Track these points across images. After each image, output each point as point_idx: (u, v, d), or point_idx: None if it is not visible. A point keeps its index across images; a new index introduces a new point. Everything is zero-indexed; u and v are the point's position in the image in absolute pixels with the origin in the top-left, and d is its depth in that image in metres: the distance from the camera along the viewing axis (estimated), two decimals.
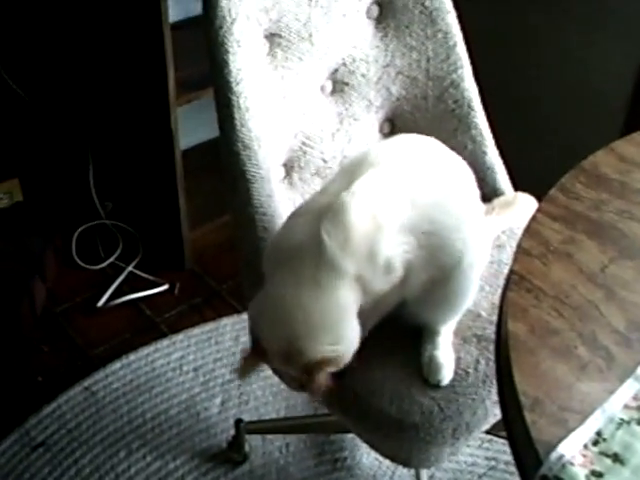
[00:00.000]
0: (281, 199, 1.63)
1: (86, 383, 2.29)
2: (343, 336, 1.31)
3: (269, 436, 2.15)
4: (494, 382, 1.43)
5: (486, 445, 2.13)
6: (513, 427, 0.98)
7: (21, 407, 2.23)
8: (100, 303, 2.55)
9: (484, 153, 1.85)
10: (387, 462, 2.07)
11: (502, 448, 2.08)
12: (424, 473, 1.92)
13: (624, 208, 1.24)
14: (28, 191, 2.70)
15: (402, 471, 2.07)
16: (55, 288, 2.62)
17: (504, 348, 1.01)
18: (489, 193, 1.86)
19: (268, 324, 1.34)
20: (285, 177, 1.73)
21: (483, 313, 1.57)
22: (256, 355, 1.37)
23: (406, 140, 1.48)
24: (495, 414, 1.50)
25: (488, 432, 2.02)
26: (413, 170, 1.38)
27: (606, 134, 1.44)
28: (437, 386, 1.46)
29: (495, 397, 1.44)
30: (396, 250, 1.31)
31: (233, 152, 1.50)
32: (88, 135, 2.67)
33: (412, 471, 2.02)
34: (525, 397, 0.94)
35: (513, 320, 1.04)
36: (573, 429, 0.91)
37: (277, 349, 1.32)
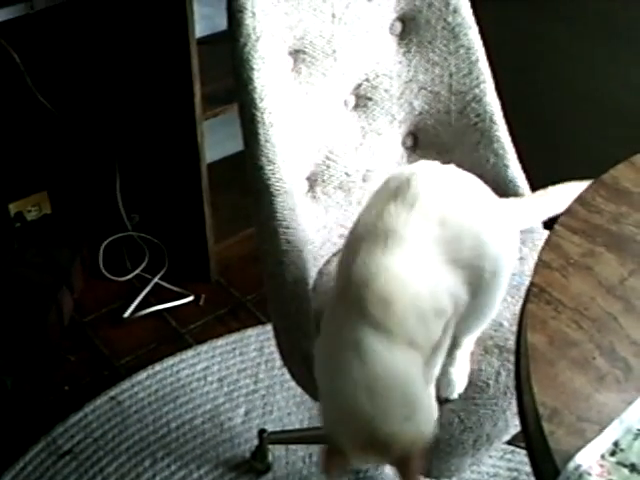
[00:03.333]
0: (304, 212, 1.65)
1: (112, 393, 2.32)
2: (421, 407, 1.23)
3: (292, 446, 2.17)
4: (515, 393, 1.45)
5: (508, 456, 2.15)
6: (531, 437, 0.99)
7: (48, 416, 2.27)
8: (126, 314, 2.59)
9: (506, 167, 1.87)
10: None
11: (524, 459, 2.09)
12: None
13: None
14: (56, 204, 2.74)
15: None
16: (82, 299, 2.65)
17: (523, 359, 1.03)
18: None
19: (343, 421, 1.24)
20: (309, 191, 1.75)
21: (505, 323, 1.59)
22: (336, 455, 1.23)
23: (434, 175, 1.42)
24: (516, 425, 1.52)
25: (510, 443, 2.03)
26: (446, 205, 1.35)
27: (629, 148, 1.45)
28: (447, 400, 1.47)
29: (515, 408, 1.46)
30: (441, 294, 1.28)
31: (257, 166, 1.52)
32: (115, 148, 2.70)
33: None
34: (543, 407, 0.96)
35: (532, 331, 1.06)
36: (591, 439, 0.93)
37: (358, 445, 1.22)
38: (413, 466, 1.19)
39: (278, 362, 2.36)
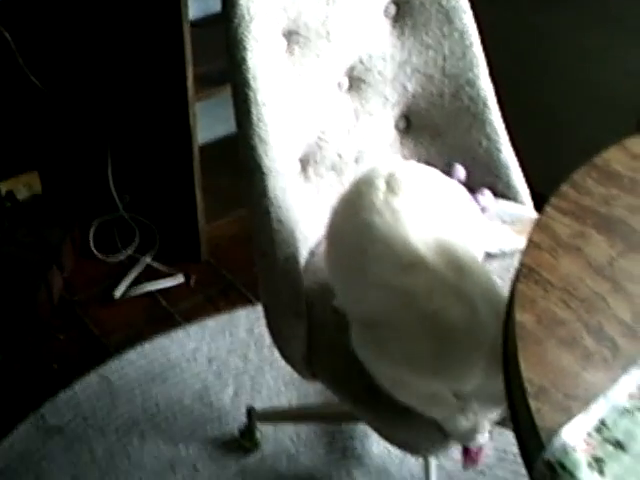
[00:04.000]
0: (296, 192, 1.66)
1: (101, 371, 2.33)
2: None
3: (280, 425, 2.19)
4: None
5: (496, 437, 2.15)
6: (518, 414, 1.00)
7: (37, 393, 2.28)
8: (116, 293, 2.59)
9: (498, 150, 1.88)
10: (396, 451, 2.10)
11: (512, 440, 2.08)
12: (433, 463, 1.95)
13: (634, 204, 1.26)
14: (47, 184, 2.74)
15: (411, 460, 2.09)
16: (72, 278, 2.66)
17: (511, 337, 1.04)
18: (502, 189, 1.89)
19: None
20: (301, 171, 1.75)
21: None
22: None
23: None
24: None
25: (497, 424, 2.06)
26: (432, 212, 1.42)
27: (622, 133, 1.46)
28: None
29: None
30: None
31: (250, 146, 1.53)
32: (107, 129, 2.70)
33: (421, 460, 2.04)
34: (530, 385, 0.97)
35: (521, 311, 1.07)
36: (577, 417, 0.94)
37: None
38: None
39: (267, 342, 2.36)
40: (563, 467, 0.89)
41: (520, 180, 1.91)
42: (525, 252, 1.17)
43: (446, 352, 1.31)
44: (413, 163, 1.55)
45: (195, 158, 2.50)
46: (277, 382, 2.31)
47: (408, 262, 1.32)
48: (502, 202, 1.88)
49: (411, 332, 1.33)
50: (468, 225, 1.50)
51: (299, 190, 1.70)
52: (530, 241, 1.19)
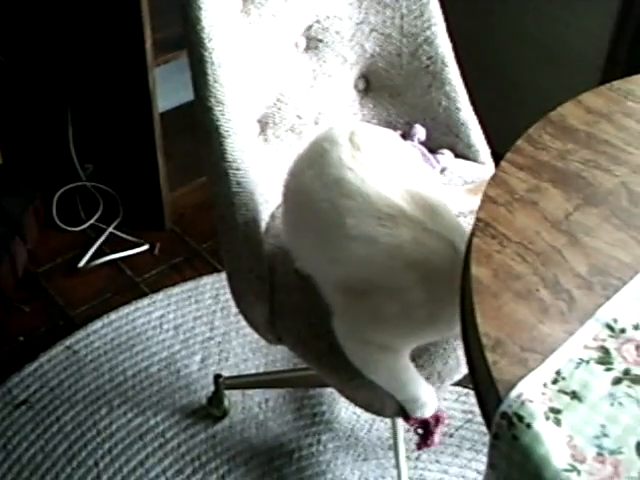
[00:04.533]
0: (256, 155, 1.64)
1: (67, 342, 2.32)
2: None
3: (248, 392, 2.18)
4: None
5: (462, 399, 2.17)
6: (475, 368, 1.00)
7: (3, 366, 2.26)
8: (81, 264, 2.57)
9: (458, 109, 1.87)
10: (365, 416, 2.10)
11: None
12: (400, 426, 1.95)
13: (590, 158, 1.26)
14: (7, 154, 2.70)
15: (380, 424, 2.10)
16: (36, 249, 2.63)
17: (468, 291, 1.04)
18: (463, 149, 1.89)
19: None
20: (260, 133, 1.74)
21: None
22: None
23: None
24: None
25: (465, 386, 2.07)
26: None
27: (582, 92, 1.45)
28: None
29: None
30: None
31: (206, 107, 1.51)
32: (67, 97, 2.67)
33: (389, 424, 2.05)
34: (487, 338, 0.97)
35: (477, 265, 1.06)
36: (533, 369, 0.94)
37: None
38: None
39: (234, 309, 2.35)
40: (520, 419, 0.89)
41: (480, 140, 1.91)
42: (481, 207, 1.17)
43: (438, 297, 1.31)
44: (368, 124, 1.55)
45: (156, 124, 2.47)
46: (244, 349, 2.30)
47: (386, 214, 1.31)
48: (462, 162, 1.87)
49: (402, 286, 1.32)
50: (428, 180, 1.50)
51: (258, 153, 1.69)
52: (486, 195, 1.19)
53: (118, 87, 2.55)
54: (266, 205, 1.68)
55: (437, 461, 2.05)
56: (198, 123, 1.57)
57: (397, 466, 1.91)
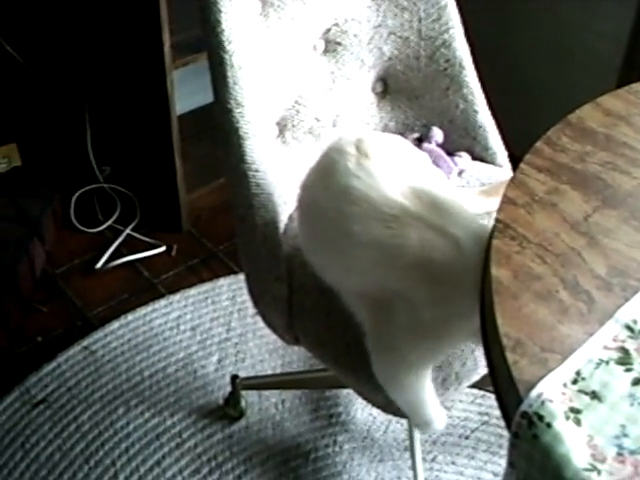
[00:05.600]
0: (274, 156, 1.65)
1: (85, 343, 2.33)
2: None
3: (265, 393, 2.19)
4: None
5: (479, 401, 2.17)
6: (495, 368, 1.01)
7: (21, 366, 2.28)
8: (98, 265, 2.59)
9: (475, 112, 1.87)
10: (381, 417, 2.11)
11: (494, 404, 2.11)
12: (417, 432, 1.96)
13: (608, 160, 1.27)
14: (26, 156, 2.72)
15: (395, 425, 2.11)
16: (54, 251, 2.65)
17: (488, 292, 1.04)
18: (480, 152, 1.89)
19: None
20: (278, 135, 1.75)
21: None
22: None
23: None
24: (484, 365, 1.53)
25: (480, 388, 2.07)
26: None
27: (600, 94, 1.46)
28: None
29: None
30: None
31: (226, 109, 1.52)
32: (85, 100, 2.69)
33: (405, 425, 2.05)
34: (507, 339, 0.97)
35: (497, 266, 1.07)
36: (553, 369, 0.94)
37: None
38: None
39: (250, 310, 2.38)
40: (540, 418, 0.89)
41: (498, 142, 1.91)
42: (500, 208, 1.17)
43: (442, 296, 1.31)
44: (379, 132, 1.55)
45: (174, 126, 2.49)
46: (261, 350, 2.31)
47: (391, 215, 1.31)
48: (480, 165, 1.88)
49: (408, 286, 1.33)
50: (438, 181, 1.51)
51: (277, 154, 1.69)
52: (505, 197, 1.19)
53: (136, 90, 2.56)
54: (285, 207, 1.68)
55: (453, 463, 2.05)
56: (217, 125, 1.58)
57: (413, 467, 1.92)
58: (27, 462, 2.04)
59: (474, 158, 1.88)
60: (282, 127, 1.75)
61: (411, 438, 1.94)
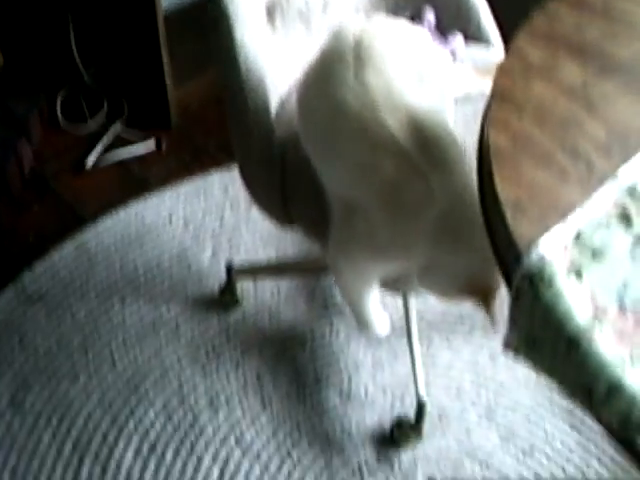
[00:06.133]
0: (264, 42, 1.64)
1: (78, 239, 2.34)
2: None
3: (260, 283, 2.21)
4: None
5: None
6: (494, 231, 1.01)
7: (14, 264, 2.28)
8: (88, 162, 2.57)
9: None
10: None
11: None
12: (413, 308, 1.98)
13: (606, 29, 1.26)
14: (9, 56, 2.67)
15: (392, 310, 2.10)
16: (42, 150, 2.63)
17: (486, 158, 1.04)
18: (473, 33, 1.88)
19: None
20: (268, 21, 1.73)
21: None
22: None
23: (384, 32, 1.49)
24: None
25: None
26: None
27: None
28: None
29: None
30: None
31: None
32: None
33: (401, 311, 2.06)
34: (506, 201, 0.97)
35: (495, 132, 1.07)
36: (554, 229, 0.94)
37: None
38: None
39: (243, 203, 2.38)
40: (541, 277, 0.90)
41: (490, 22, 1.90)
42: (497, 77, 1.17)
43: (400, 224, 1.38)
44: (378, 19, 1.54)
45: (159, 21, 2.46)
46: (255, 240, 2.32)
47: (378, 142, 1.36)
48: (473, 45, 1.86)
49: (373, 206, 1.39)
50: (437, 73, 1.51)
51: (267, 40, 1.68)
52: (502, 66, 1.18)
53: None
54: (275, 92, 1.67)
55: (449, 345, 2.08)
56: (207, 10, 1.57)
57: (410, 350, 1.95)
58: (25, 355, 2.06)
59: (467, 38, 1.86)
60: (271, 11, 1.73)
61: (407, 321, 1.97)
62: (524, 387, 2.00)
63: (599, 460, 1.88)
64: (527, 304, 0.91)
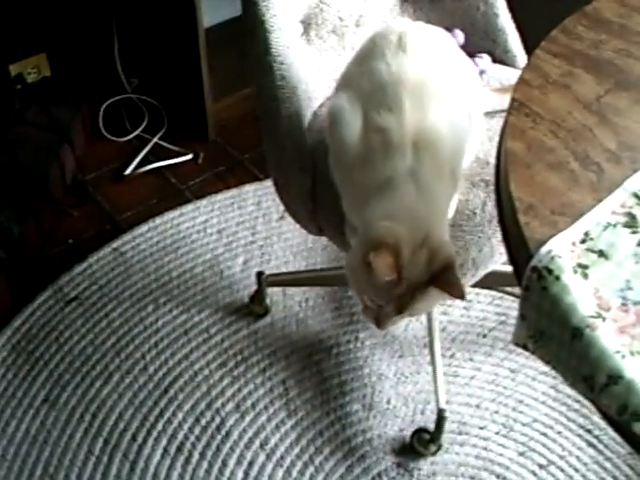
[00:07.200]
0: (299, 53, 1.69)
1: (115, 245, 2.41)
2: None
3: (289, 292, 2.27)
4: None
5: (497, 302, 2.23)
6: (508, 230, 1.07)
7: (53, 267, 2.36)
8: (127, 171, 2.65)
9: (496, 15, 1.90)
10: None
11: (512, 305, 2.18)
12: (436, 323, 2.02)
13: (622, 47, 1.31)
14: (55, 66, 2.76)
15: (416, 324, 2.17)
16: (83, 158, 2.71)
17: (502, 162, 1.10)
18: (500, 54, 1.92)
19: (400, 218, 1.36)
20: (303, 34, 1.79)
21: (491, 160, 1.65)
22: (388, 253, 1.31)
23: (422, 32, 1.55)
24: (501, 252, 1.59)
25: (499, 290, 2.13)
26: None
27: None
28: None
29: (500, 236, 1.53)
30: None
31: (252, 3, 1.57)
32: (113, 10, 2.71)
33: (425, 323, 2.12)
34: (520, 202, 1.03)
35: (512, 139, 1.13)
36: (563, 230, 1.00)
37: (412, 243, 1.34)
38: (454, 277, 1.33)
39: (275, 215, 2.45)
40: (549, 272, 0.95)
41: (517, 45, 1.94)
42: (515, 88, 1.22)
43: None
44: (423, 24, 1.59)
45: (201, 37, 2.53)
46: (285, 252, 2.38)
47: (392, 103, 1.40)
48: (499, 67, 1.91)
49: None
50: (468, 84, 1.56)
51: (301, 52, 1.74)
52: (520, 79, 1.24)
53: (164, 0, 2.59)
54: (309, 102, 1.73)
55: (471, 359, 2.12)
56: (244, 18, 1.62)
57: (432, 363, 1.98)
58: (62, 354, 2.13)
59: (494, 61, 1.91)
60: (306, 26, 1.79)
61: (431, 335, 2.01)
62: (542, 403, 2.04)
63: (614, 478, 1.91)
64: (535, 297, 0.96)
